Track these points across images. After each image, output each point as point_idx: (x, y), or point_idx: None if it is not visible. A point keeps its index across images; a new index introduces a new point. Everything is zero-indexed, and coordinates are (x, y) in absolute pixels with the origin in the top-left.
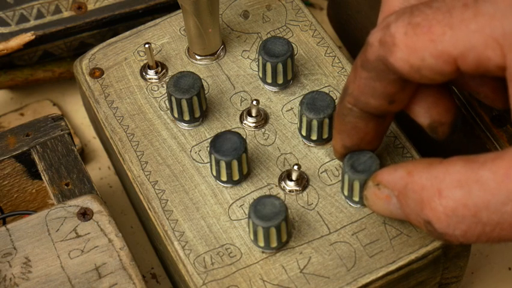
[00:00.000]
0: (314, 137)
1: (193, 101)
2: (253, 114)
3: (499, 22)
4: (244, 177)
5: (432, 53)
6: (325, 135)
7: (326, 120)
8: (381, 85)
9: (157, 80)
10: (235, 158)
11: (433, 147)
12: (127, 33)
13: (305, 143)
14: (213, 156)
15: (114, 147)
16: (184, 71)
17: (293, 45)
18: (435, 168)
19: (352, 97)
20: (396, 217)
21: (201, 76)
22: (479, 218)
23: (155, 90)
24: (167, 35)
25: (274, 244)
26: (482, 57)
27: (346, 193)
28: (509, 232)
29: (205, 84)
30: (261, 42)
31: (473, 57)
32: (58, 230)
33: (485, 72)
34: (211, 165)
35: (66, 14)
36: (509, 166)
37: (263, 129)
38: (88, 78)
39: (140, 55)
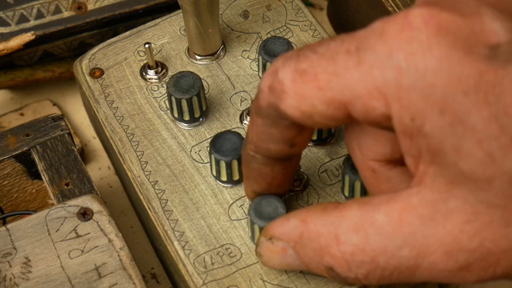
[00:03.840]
0: (314, 137)
1: (193, 101)
2: None
3: (379, 71)
4: None
5: (322, 100)
6: (325, 135)
7: None
8: (278, 131)
9: (157, 80)
10: (235, 158)
11: None
12: (127, 33)
13: None
14: (213, 156)
15: (114, 147)
16: (184, 71)
17: (293, 45)
18: (331, 214)
19: (252, 144)
20: (295, 269)
21: (201, 76)
22: (377, 263)
23: (155, 90)
24: (167, 35)
25: None
26: (368, 106)
27: (347, 194)
28: (407, 275)
29: (205, 84)
30: (261, 42)
31: (360, 106)
32: (58, 230)
33: (374, 121)
34: (211, 165)
35: (66, 14)
36: (402, 209)
37: None
38: (88, 78)
39: (140, 55)
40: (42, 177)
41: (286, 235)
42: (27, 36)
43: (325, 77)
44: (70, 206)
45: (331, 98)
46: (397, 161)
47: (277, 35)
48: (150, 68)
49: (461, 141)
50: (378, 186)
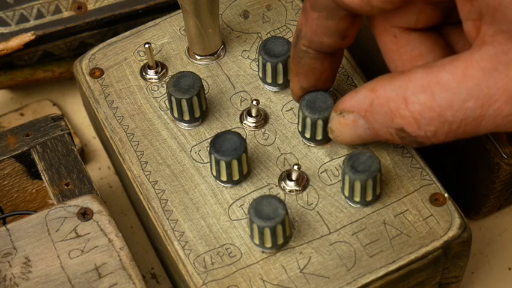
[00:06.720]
0: (314, 137)
1: (193, 101)
2: (253, 114)
3: None
4: (244, 177)
5: None
6: (325, 135)
7: (326, 120)
8: (333, 23)
9: (157, 80)
10: (235, 158)
11: (431, 148)
12: (127, 33)
13: (305, 143)
14: (213, 156)
15: (114, 147)
16: (184, 71)
17: None
18: (398, 79)
19: (306, 39)
20: (365, 139)
21: (201, 76)
22: (445, 117)
23: (155, 90)
24: (167, 35)
25: (280, 241)
26: None
27: (347, 193)
28: (473, 127)
29: (205, 84)
30: (261, 42)
31: None
32: (58, 230)
33: None
34: (211, 165)
35: (66, 14)
36: (465, 65)
37: (263, 129)
38: (88, 78)
39: (140, 55)
40: (42, 177)
41: (357, 106)
42: (27, 36)
43: None
44: (70, 206)
45: None
46: (416, 29)
47: (277, 35)
48: (150, 68)
49: None
50: (398, 50)
